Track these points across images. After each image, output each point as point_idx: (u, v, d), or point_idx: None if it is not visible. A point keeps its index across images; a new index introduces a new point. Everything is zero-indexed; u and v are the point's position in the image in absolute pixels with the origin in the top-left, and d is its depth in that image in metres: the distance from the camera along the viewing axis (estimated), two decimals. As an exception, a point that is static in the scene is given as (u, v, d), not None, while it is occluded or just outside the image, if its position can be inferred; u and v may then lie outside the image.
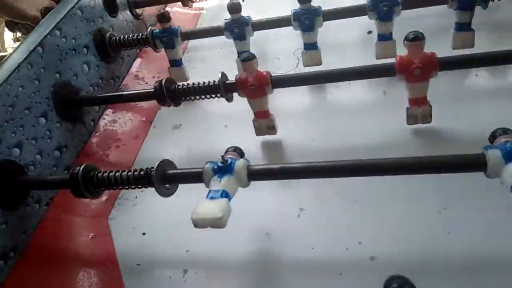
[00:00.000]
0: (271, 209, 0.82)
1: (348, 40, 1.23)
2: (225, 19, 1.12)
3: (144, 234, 0.86)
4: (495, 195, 0.66)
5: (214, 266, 0.77)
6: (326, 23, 1.08)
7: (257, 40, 1.22)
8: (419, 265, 0.66)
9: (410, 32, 0.79)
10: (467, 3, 0.96)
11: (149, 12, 1.49)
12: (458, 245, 0.68)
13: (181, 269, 0.77)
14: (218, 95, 0.92)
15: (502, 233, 0.68)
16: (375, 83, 1.00)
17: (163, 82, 0.94)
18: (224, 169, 0.69)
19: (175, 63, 1.20)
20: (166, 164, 0.75)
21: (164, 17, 1.15)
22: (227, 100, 0.92)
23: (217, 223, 0.63)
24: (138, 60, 1.35)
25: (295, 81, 0.93)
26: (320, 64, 1.10)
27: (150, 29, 1.16)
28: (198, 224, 0.64)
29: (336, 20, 1.09)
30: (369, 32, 1.21)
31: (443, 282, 0.64)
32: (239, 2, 1.10)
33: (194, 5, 1.54)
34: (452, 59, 0.81)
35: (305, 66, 1.12)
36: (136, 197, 0.94)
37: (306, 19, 1.05)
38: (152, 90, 0.95)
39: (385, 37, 1.03)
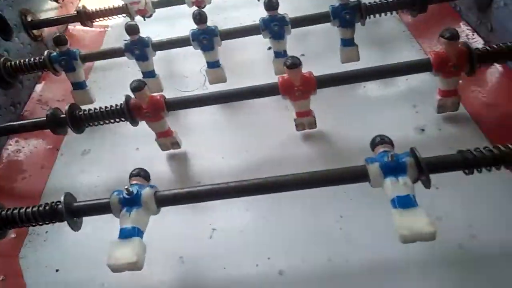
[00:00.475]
0: (183, 232, 0.84)
1: (253, 57, 1.28)
2: (124, 40, 1.12)
3: (57, 271, 0.84)
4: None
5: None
6: (230, 41, 1.12)
7: (166, 58, 1.23)
8: (324, 273, 0.72)
9: (288, 58, 0.85)
10: (345, 21, 1.04)
11: (50, 31, 1.43)
12: (356, 251, 0.74)
13: (97, 304, 0.76)
14: (123, 119, 0.92)
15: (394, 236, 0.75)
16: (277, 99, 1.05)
17: (64, 108, 0.92)
18: (131, 201, 0.70)
19: (78, 85, 1.16)
20: (68, 197, 0.74)
21: (60, 40, 1.11)
22: (131, 124, 0.92)
23: (133, 267, 0.64)
24: (41, 84, 1.29)
25: (190, 103, 0.95)
26: (224, 81, 1.13)
27: (48, 52, 1.12)
28: (115, 270, 0.65)
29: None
30: (269, 48, 1.27)
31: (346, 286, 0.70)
32: (136, 24, 1.10)
33: (99, 23, 1.50)
34: (327, 77, 0.89)
35: (210, 83, 1.14)
36: (46, 232, 0.91)
37: (204, 39, 1.07)
38: (45, 118, 0.93)
39: (280, 54, 1.09)
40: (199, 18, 1.05)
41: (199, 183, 0.93)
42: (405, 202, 0.62)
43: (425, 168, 0.64)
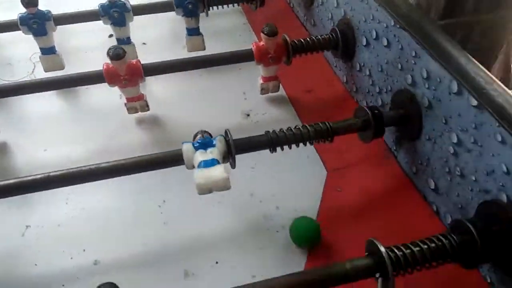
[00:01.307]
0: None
1: (92, 44, 1.21)
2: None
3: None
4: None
5: None
6: (67, 26, 1.06)
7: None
8: (140, 259, 0.71)
9: (110, 48, 0.83)
10: (189, 11, 1.06)
11: None
12: (175, 235, 0.75)
13: None
14: None
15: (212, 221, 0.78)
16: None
17: None
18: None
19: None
20: None
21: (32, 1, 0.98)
22: None
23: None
24: None
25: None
26: (62, 68, 1.06)
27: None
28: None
29: (80, 24, 1.08)
30: (110, 35, 1.22)
31: (162, 273, 0.70)
32: None
33: None
34: (154, 66, 0.90)
35: (45, 71, 1.06)
36: None
37: (34, 24, 0.99)
38: None
39: (123, 41, 1.06)
40: (28, 1, 0.97)
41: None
42: (208, 163, 0.64)
43: (233, 146, 0.67)
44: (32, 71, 1.11)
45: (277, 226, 0.76)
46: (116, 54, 0.83)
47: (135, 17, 1.07)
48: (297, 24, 1.24)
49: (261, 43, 0.92)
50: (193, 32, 1.10)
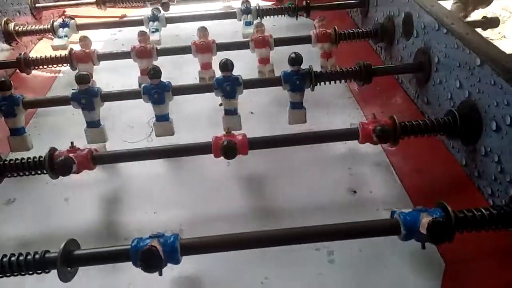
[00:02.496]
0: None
1: (203, 111, 1.28)
2: (73, 90, 1.09)
3: None
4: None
5: None
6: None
7: (111, 108, 1.21)
8: None
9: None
10: (296, 86, 1.07)
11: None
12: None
13: None
14: (44, 171, 0.88)
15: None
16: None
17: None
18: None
19: (16, 131, 1.10)
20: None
21: (4, 85, 1.07)
22: (51, 177, 0.89)
23: None
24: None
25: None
26: (172, 134, 1.11)
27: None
28: None
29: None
30: (220, 104, 1.28)
31: None
32: (87, 74, 1.08)
33: (52, 68, 1.47)
34: (257, 140, 0.94)
35: (157, 136, 1.12)
36: None
37: (155, 93, 1.06)
38: None
39: (230, 112, 1.10)
40: (153, 73, 1.05)
41: (125, 239, 0.87)
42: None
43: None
44: (149, 135, 1.19)
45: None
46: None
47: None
48: (406, 100, 1.20)
49: (369, 126, 0.90)
50: (297, 106, 1.11)
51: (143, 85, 1.08)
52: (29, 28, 1.55)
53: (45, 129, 1.26)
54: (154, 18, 1.54)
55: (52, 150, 0.88)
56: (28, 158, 0.88)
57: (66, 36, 1.51)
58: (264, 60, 1.33)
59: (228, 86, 1.06)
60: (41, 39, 1.77)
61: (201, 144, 0.92)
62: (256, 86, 1.14)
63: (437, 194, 0.93)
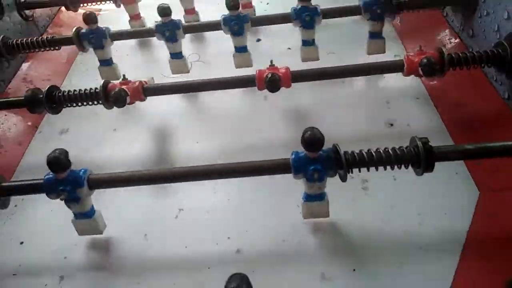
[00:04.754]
0: (151, 211, 0.85)
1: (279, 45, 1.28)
2: (156, 22, 1.12)
3: (22, 243, 0.84)
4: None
5: (91, 271, 0.78)
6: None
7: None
8: (279, 254, 0.73)
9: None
10: (376, 15, 1.06)
11: (41, 12, 1.44)
12: (313, 232, 0.76)
13: (57, 276, 0.77)
14: (100, 101, 0.93)
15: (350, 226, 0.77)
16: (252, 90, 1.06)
17: (44, 89, 0.94)
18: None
19: (105, 62, 1.18)
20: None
21: (91, 18, 1.12)
22: (106, 108, 0.94)
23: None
24: (28, 63, 1.30)
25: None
26: (250, 65, 1.13)
27: (76, 29, 1.13)
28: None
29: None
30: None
31: (299, 272, 0.71)
32: (168, 6, 1.09)
33: (90, 7, 1.50)
34: (301, 73, 0.94)
35: (236, 67, 1.13)
36: (15, 206, 0.91)
37: (236, 25, 1.08)
38: (23, 98, 0.94)
39: (308, 43, 1.10)
40: (233, 4, 1.06)
41: (172, 165, 0.93)
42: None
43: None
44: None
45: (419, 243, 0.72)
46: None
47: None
48: (450, 34, 1.16)
49: (415, 58, 0.88)
50: (376, 36, 1.10)
51: (222, 16, 1.09)
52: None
53: (91, 65, 1.30)
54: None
55: (106, 83, 0.93)
56: (85, 89, 0.94)
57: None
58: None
59: (308, 16, 1.05)
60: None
61: (245, 77, 0.94)
62: (335, 16, 1.12)
63: (477, 128, 0.92)
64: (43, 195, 0.72)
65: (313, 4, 1.06)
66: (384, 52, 1.10)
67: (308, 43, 1.09)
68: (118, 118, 1.08)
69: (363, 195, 0.82)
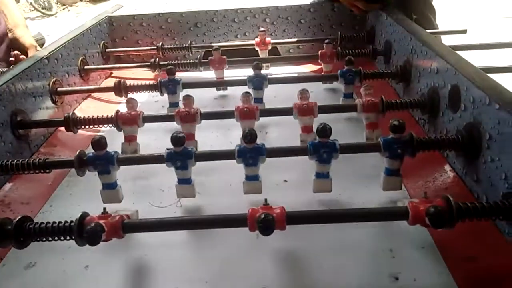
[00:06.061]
0: None
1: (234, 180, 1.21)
2: (168, 150, 1.06)
3: None
4: None
5: None
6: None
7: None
8: None
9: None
10: (396, 154, 1.04)
11: (37, 132, 1.43)
12: None
13: None
14: (72, 237, 0.85)
15: None
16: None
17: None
18: None
19: (109, 186, 1.11)
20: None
21: (101, 144, 1.06)
22: (78, 244, 0.85)
23: None
24: (10, 184, 1.24)
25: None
26: (260, 192, 1.08)
27: (79, 153, 1.08)
28: None
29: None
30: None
31: None
32: (183, 136, 1.04)
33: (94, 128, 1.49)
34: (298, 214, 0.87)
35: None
36: None
37: (250, 158, 1.05)
38: None
39: (322, 175, 1.07)
40: (250, 138, 1.02)
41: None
42: None
43: None
44: (179, 199, 1.15)
45: None
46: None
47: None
48: (453, 177, 1.12)
49: (420, 206, 0.82)
50: (393, 173, 1.07)
51: (237, 147, 1.05)
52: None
53: (76, 190, 1.25)
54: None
55: (83, 216, 0.85)
56: (59, 222, 0.86)
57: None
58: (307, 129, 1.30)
59: (325, 153, 1.03)
60: (86, 98, 1.84)
61: (235, 216, 0.87)
62: (356, 151, 1.09)
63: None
64: None
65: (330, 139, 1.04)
66: (400, 189, 1.07)
67: (322, 175, 1.07)
68: (89, 254, 0.97)
69: None
